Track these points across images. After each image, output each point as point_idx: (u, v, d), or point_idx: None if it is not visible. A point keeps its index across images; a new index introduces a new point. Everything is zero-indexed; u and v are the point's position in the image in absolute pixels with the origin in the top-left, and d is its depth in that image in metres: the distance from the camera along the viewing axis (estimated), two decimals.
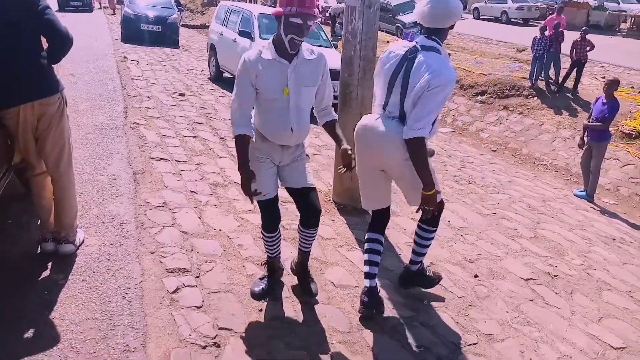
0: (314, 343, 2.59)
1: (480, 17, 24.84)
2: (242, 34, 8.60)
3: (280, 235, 2.87)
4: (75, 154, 4.59)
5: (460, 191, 5.41)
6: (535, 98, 10.04)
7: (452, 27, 2.63)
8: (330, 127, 2.74)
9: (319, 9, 2.62)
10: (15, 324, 2.37)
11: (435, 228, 3.03)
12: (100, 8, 24.89)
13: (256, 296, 2.84)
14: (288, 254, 3.33)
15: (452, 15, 2.55)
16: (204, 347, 2.40)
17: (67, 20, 13.87)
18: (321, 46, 8.99)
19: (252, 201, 2.60)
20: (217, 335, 2.51)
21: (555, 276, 3.74)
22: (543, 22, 11.85)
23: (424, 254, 3.13)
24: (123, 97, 7.10)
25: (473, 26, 22.26)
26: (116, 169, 4.39)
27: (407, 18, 20.72)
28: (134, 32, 13.51)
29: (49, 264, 2.87)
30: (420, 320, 2.95)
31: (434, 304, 3.15)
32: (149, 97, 7.40)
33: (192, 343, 2.40)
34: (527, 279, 3.62)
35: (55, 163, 2.80)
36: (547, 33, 10.10)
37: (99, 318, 2.46)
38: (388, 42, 17.78)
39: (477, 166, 6.76)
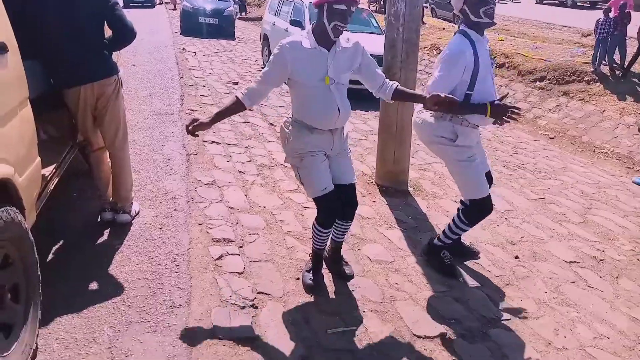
0: (346, 310, 2.71)
1: (544, 2, 23.76)
2: (293, 23, 8.78)
3: (332, 229, 2.83)
4: (134, 136, 4.95)
5: (509, 176, 5.32)
6: (598, 84, 9.56)
7: (473, 13, 2.72)
8: (399, 93, 2.70)
9: None
10: (77, 281, 2.66)
11: (468, 224, 3.09)
12: (161, 3, 25.89)
13: (310, 290, 2.83)
14: None
15: None
16: (243, 308, 2.58)
17: (131, 16, 14.58)
18: (373, 33, 9.03)
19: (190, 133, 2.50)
20: (255, 298, 2.68)
21: (601, 260, 3.65)
22: (608, 3, 11.24)
23: (449, 239, 3.19)
24: (180, 86, 7.47)
25: (535, 11, 21.39)
26: (171, 150, 4.68)
27: None
28: (192, 25, 14.05)
29: (107, 231, 3.16)
30: (454, 296, 2.99)
31: (469, 281, 3.17)
32: (204, 86, 7.74)
33: (232, 303, 2.59)
34: (571, 262, 3.56)
35: (112, 139, 3.07)
36: (611, 15, 9.59)
37: (149, 278, 2.71)
38: (444, 28, 17.44)
39: (530, 152, 6.58)
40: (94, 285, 2.63)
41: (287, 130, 2.69)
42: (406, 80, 4.12)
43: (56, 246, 2.99)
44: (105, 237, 3.11)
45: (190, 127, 2.47)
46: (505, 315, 2.85)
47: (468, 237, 3.68)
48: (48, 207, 3.27)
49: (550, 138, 8.67)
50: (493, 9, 2.68)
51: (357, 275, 3.05)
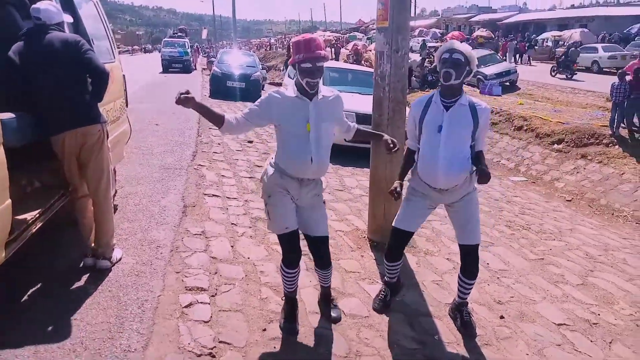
0: None
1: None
2: None
3: (299, 271, 2.90)
4: (138, 188, 5.14)
5: (510, 236, 5.20)
6: (617, 146, 9.41)
7: (439, 73, 2.88)
8: (359, 133, 3.09)
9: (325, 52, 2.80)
10: (43, 321, 2.72)
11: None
12: (195, 69, 27.32)
13: (287, 331, 2.91)
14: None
15: None
16: (199, 356, 2.56)
17: (169, 79, 15.50)
18: None
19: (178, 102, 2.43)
20: (215, 347, 2.66)
21: (594, 324, 3.47)
22: (624, 67, 11.26)
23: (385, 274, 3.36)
24: (195, 143, 7.77)
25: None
26: (168, 202, 4.82)
27: (488, 70, 20.58)
28: (221, 88, 14.76)
29: (86, 276, 3.25)
30: (424, 354, 2.90)
31: (445, 339, 3.07)
32: (219, 144, 8.02)
33: (188, 351, 2.58)
34: (560, 324, 3.40)
35: (95, 187, 3.22)
36: (627, 78, 9.58)
37: (112, 322, 2.75)
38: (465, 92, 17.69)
39: (537, 213, 6.44)
40: (58, 326, 2.67)
41: (265, 169, 2.86)
42: (393, 136, 4.16)
43: (35, 287, 3.08)
44: (82, 281, 3.19)
45: (181, 97, 2.43)
46: None
47: (454, 295, 3.58)
48: (38, 251, 3.43)
49: (567, 200, 8.48)
50: (449, 73, 2.74)
51: (325, 329, 3.00)
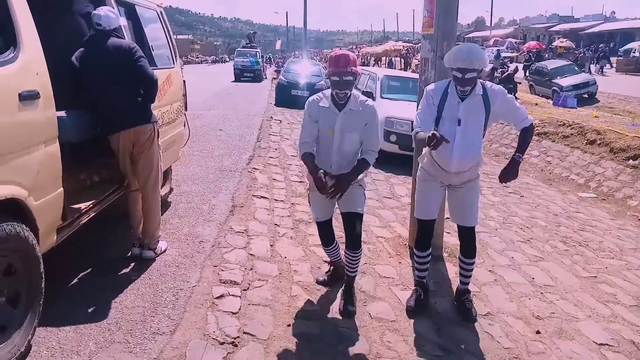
0: None
1: None
2: (364, 93, 9.17)
3: (337, 246, 3.48)
4: (192, 187, 5.45)
5: (564, 252, 4.96)
6: None
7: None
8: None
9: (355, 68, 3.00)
10: (87, 302, 2.98)
11: (414, 246, 3.45)
12: (266, 78, 28.19)
13: (319, 283, 3.53)
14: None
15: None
16: (221, 344, 2.69)
17: (239, 88, 16.20)
18: None
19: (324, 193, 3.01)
20: (238, 337, 2.79)
21: None
22: None
23: (416, 272, 3.51)
24: (253, 148, 8.06)
25: None
26: (218, 201, 5.06)
27: (565, 81, 19.67)
28: (285, 97, 15.18)
29: (132, 264, 3.50)
30: None
31: (472, 349, 3.01)
32: (276, 149, 8.27)
33: (212, 338, 2.72)
34: (601, 344, 3.22)
35: (144, 182, 3.48)
36: None
37: (147, 307, 2.95)
38: (536, 104, 16.95)
39: (599, 230, 6.07)
40: (98, 308, 2.92)
41: None
42: None
43: (85, 271, 3.38)
44: (128, 269, 3.45)
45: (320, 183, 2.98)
46: None
47: (490, 307, 3.51)
48: (92, 240, 3.75)
49: (639, 220, 7.91)
50: (464, 90, 3.01)
51: (350, 330, 3.04)
